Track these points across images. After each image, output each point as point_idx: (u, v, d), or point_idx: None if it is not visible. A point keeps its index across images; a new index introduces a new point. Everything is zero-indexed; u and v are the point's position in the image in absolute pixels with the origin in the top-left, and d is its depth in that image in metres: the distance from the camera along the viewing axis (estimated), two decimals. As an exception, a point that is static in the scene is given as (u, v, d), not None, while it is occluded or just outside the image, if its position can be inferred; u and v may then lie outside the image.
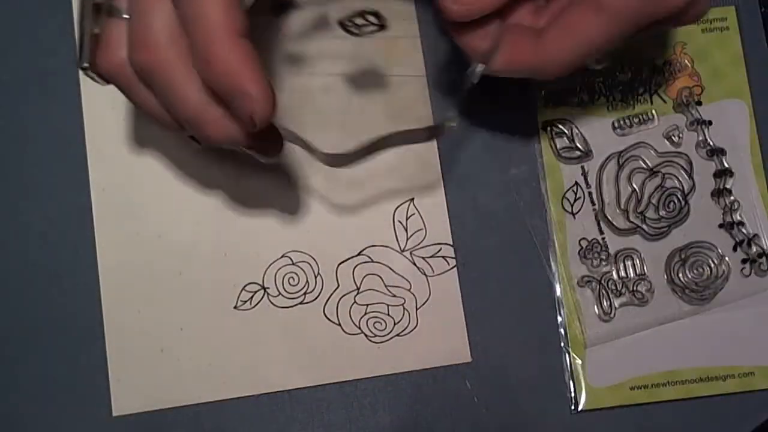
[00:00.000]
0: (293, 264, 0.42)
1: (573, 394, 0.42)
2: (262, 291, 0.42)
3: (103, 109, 0.42)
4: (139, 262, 0.41)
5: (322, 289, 0.42)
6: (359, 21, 0.37)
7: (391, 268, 0.42)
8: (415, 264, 0.42)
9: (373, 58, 0.43)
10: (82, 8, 0.31)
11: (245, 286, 0.42)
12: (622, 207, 0.43)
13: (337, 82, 0.42)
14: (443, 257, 0.42)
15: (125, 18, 0.31)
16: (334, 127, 0.42)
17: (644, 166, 0.43)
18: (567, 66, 0.34)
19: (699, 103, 0.44)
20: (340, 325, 0.42)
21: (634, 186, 0.43)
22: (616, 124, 0.43)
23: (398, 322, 0.42)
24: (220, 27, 0.29)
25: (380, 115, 0.42)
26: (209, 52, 0.29)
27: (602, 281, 0.43)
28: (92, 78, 0.32)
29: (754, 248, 0.43)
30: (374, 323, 0.42)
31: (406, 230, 0.43)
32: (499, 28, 0.34)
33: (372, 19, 0.37)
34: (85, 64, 0.31)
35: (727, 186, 0.43)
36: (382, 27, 0.37)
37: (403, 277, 0.42)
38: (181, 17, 0.29)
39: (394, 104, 0.42)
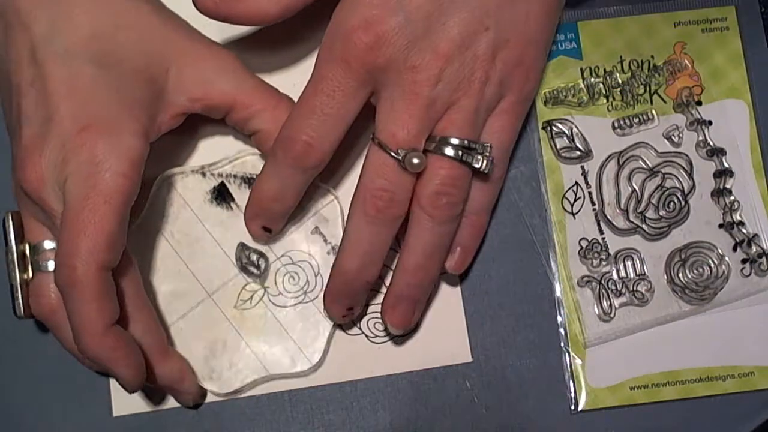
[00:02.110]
0: (293, 263, 0.42)
1: (573, 394, 0.42)
2: (262, 290, 0.42)
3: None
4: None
5: (322, 288, 0.42)
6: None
7: (391, 269, 0.42)
8: (415, 264, 0.42)
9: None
10: (9, 263, 0.37)
11: (245, 286, 0.42)
12: (622, 207, 0.43)
13: None
14: (443, 257, 0.42)
15: (50, 271, 0.37)
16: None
17: (644, 166, 0.43)
18: None
19: (699, 103, 0.44)
20: (340, 325, 0.42)
21: (634, 186, 0.43)
22: (616, 124, 0.43)
23: (398, 322, 0.42)
24: (91, 322, 0.34)
25: None
26: (82, 342, 0.34)
27: (602, 281, 0.43)
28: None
29: (754, 248, 0.43)
30: (374, 323, 0.42)
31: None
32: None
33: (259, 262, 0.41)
34: (21, 314, 0.38)
35: (727, 186, 0.43)
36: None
37: (403, 277, 0.42)
38: (65, 305, 0.35)
39: None
